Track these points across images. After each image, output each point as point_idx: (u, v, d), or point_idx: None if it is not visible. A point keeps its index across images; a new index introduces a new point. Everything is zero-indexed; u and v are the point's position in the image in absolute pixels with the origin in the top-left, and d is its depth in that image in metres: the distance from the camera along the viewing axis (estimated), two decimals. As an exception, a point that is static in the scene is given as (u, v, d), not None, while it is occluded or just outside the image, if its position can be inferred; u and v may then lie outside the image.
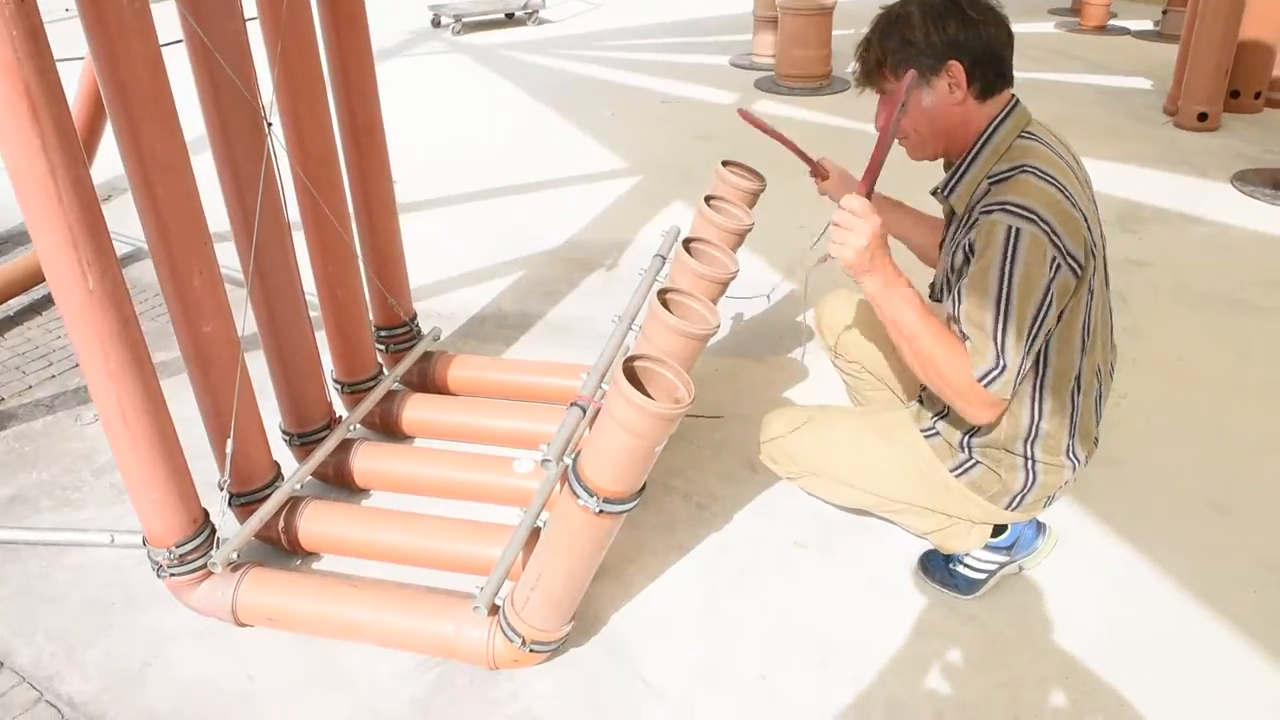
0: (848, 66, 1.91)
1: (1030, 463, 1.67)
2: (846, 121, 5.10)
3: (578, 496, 1.50)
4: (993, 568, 1.89)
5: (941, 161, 1.69)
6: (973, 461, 1.71)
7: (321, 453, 2.15)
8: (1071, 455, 1.68)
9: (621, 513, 1.53)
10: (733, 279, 1.88)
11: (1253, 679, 1.74)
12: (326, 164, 2.13)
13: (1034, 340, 1.49)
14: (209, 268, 1.75)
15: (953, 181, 1.62)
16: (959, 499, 1.75)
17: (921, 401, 1.82)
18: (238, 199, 1.90)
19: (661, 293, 1.69)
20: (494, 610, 1.71)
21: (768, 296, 2.84)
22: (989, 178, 1.55)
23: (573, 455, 1.55)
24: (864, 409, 2.03)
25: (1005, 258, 1.44)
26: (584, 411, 1.67)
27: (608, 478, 1.49)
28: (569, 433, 1.61)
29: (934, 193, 1.68)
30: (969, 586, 1.90)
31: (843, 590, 1.95)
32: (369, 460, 2.22)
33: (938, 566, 1.94)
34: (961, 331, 1.51)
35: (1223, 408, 2.53)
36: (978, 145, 1.57)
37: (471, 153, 4.71)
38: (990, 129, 1.56)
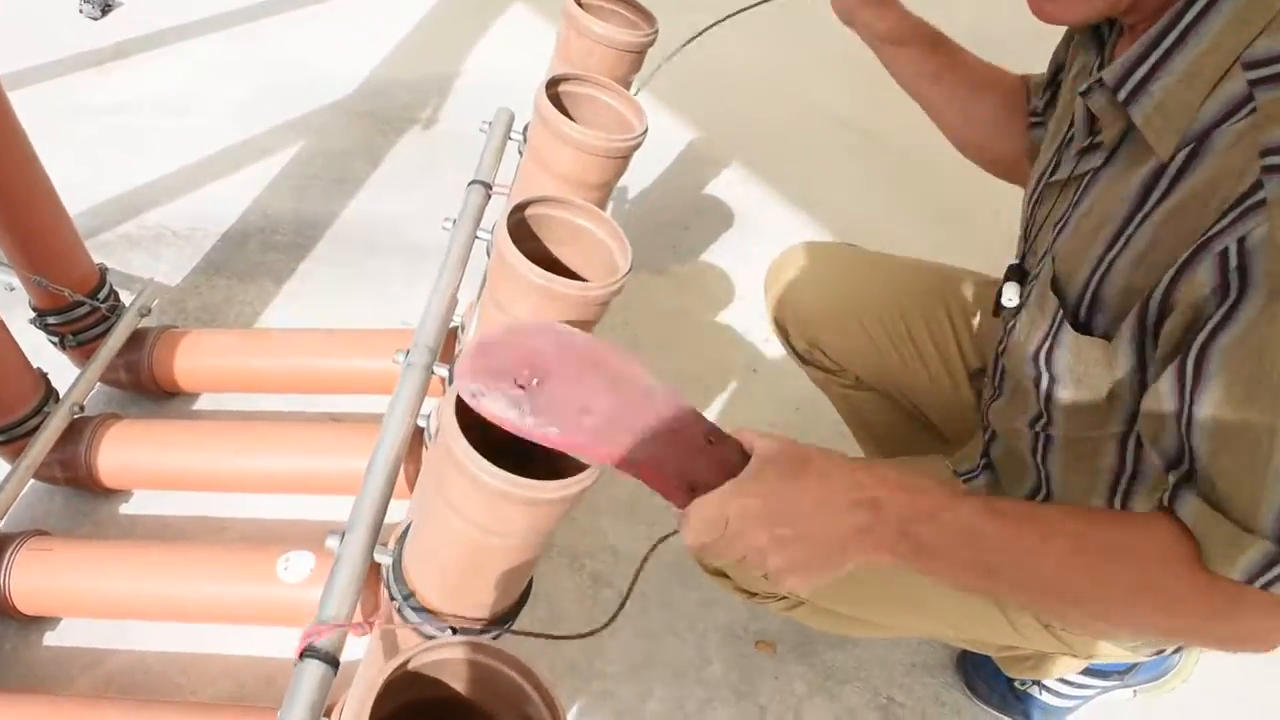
0: None
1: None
2: None
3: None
4: (1089, 693, 1.16)
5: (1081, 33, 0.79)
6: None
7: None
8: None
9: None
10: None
11: None
12: None
13: None
14: None
15: (1142, 67, 0.71)
16: (1060, 639, 0.98)
17: (991, 465, 1.00)
18: None
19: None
20: None
21: None
22: (1249, 64, 0.66)
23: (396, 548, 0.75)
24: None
25: None
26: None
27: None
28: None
29: (1086, 92, 0.78)
30: (1046, 717, 1.18)
31: (839, 728, 1.21)
32: (36, 575, 1.30)
33: (994, 683, 1.21)
34: (1179, 464, 0.69)
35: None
36: None
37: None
38: None
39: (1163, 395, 0.68)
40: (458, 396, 0.75)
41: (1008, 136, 1.08)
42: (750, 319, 1.86)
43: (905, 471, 0.69)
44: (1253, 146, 0.63)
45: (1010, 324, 0.91)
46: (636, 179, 2.18)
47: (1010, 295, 0.90)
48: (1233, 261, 0.63)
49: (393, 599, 0.79)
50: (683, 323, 1.86)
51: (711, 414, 1.63)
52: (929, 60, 1.08)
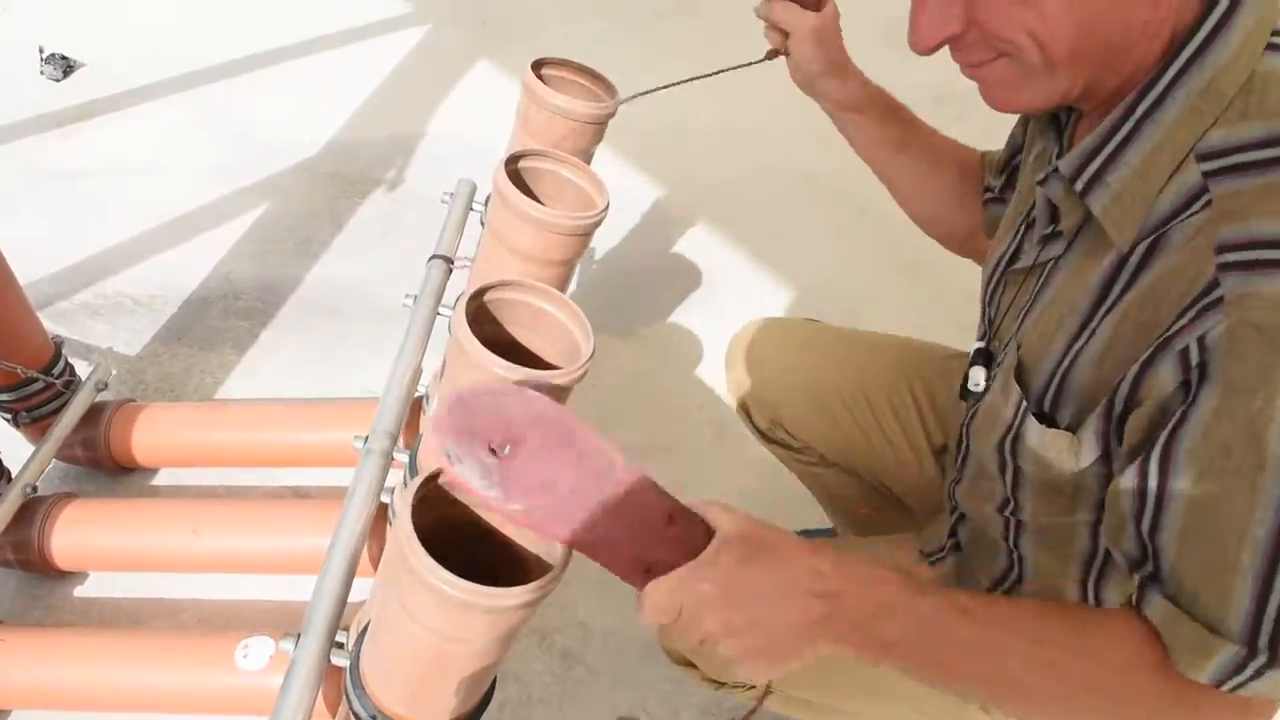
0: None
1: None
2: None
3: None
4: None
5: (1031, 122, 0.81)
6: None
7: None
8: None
9: None
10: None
11: None
12: None
13: None
14: None
15: (1098, 158, 0.71)
16: None
17: (958, 545, 0.99)
18: None
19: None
20: None
21: None
22: (1203, 155, 0.66)
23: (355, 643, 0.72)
24: (849, 548, 1.14)
25: None
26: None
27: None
28: None
29: (1043, 181, 0.78)
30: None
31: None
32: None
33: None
34: (1143, 565, 0.68)
35: None
36: (1169, 75, 0.67)
37: (165, 17, 3.00)
38: (1205, 31, 0.66)
39: (1124, 494, 0.67)
40: (413, 502, 0.73)
41: (964, 211, 1.08)
42: (718, 382, 1.85)
43: (872, 563, 0.68)
44: (1208, 242, 0.63)
45: (974, 409, 0.90)
46: (602, 240, 2.18)
47: (977, 379, 0.89)
48: (1194, 359, 0.62)
49: (352, 713, 0.77)
50: (649, 386, 1.85)
51: (677, 481, 1.61)
52: (887, 128, 1.08)
